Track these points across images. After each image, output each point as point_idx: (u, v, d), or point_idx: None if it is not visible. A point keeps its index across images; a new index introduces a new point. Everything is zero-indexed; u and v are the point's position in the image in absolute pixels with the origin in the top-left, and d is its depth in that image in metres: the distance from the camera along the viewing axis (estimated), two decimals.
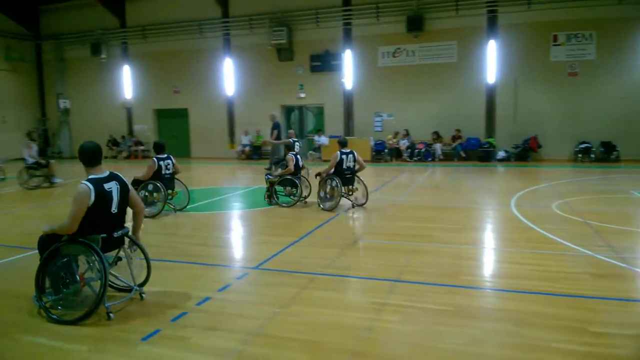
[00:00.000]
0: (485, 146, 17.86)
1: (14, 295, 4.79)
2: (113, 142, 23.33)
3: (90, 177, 4.17)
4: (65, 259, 4.18)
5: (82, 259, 4.27)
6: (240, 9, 21.14)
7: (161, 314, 4.19)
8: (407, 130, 18.91)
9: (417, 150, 18.48)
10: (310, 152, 20.19)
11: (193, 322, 4.02)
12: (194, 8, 21.78)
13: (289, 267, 5.43)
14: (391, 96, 19.49)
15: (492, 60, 17.74)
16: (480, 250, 6.44)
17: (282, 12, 20.15)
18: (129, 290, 4.56)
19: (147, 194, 8.41)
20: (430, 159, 18.25)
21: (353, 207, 9.02)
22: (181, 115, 23.03)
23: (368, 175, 15.29)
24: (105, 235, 4.17)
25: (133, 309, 4.32)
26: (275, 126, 16.35)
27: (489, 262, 5.96)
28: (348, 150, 9.14)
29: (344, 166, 8.94)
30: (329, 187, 8.97)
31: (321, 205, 8.96)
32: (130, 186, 4.46)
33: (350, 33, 19.68)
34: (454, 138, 18.44)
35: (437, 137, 18.60)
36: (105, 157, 22.06)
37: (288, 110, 22.07)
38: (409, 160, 18.44)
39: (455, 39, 18.33)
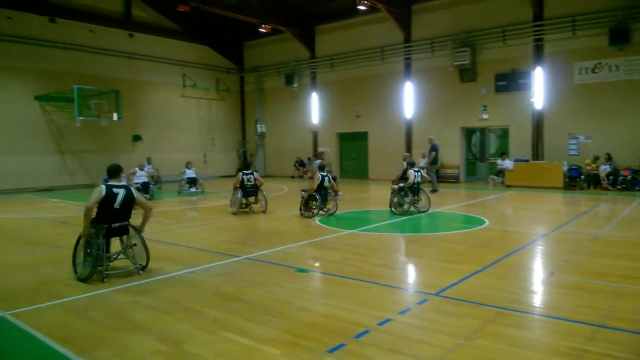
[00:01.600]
0: None
1: (218, 294, 5.44)
2: (300, 163, 25.26)
3: (108, 183, 6.30)
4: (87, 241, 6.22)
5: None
6: (422, 33, 21.27)
7: (344, 329, 4.33)
8: (609, 155, 16.67)
9: (621, 178, 16.15)
10: (492, 176, 19.13)
11: (376, 341, 4.07)
12: (377, 36, 22.61)
13: (472, 298, 5.16)
14: (589, 116, 17.48)
15: None
16: None
17: (465, 32, 19.71)
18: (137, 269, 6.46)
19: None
20: (638, 188, 15.80)
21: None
22: (361, 138, 23.95)
23: (558, 204, 13.86)
24: (107, 225, 6.16)
25: (314, 319, 4.55)
26: (433, 148, 16.93)
27: None
28: (325, 173, 11.58)
29: (324, 184, 11.40)
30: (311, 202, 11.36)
31: (304, 214, 11.36)
32: (136, 194, 6.44)
33: (542, 49, 18.29)
34: None
35: None
36: (292, 177, 24.11)
37: (469, 133, 21.33)
38: (610, 188, 16.22)
39: None
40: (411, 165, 12.04)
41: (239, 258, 7.28)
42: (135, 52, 23.92)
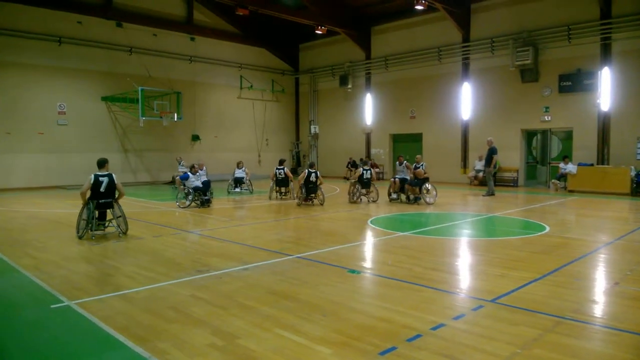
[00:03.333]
0: None
1: (271, 292, 5.54)
2: (352, 164, 25.20)
3: (95, 173, 8.96)
4: (86, 211, 8.92)
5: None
6: (482, 32, 20.74)
7: (396, 332, 4.30)
8: None
9: None
10: (553, 180, 18.37)
11: (428, 346, 4.01)
12: (434, 35, 22.25)
13: (530, 306, 4.98)
14: None
15: None
16: None
17: (528, 31, 19.03)
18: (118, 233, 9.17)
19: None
20: None
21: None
22: (415, 139, 23.63)
23: (624, 211, 13.12)
24: (96, 201, 8.90)
25: (365, 320, 4.54)
26: (493, 151, 16.41)
27: None
28: (314, 170, 13.99)
29: (310, 179, 13.90)
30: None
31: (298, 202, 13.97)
32: (116, 181, 9.11)
33: (610, 49, 17.37)
34: None
35: None
36: (345, 178, 24.07)
37: (529, 135, 20.60)
38: None
39: None
40: (364, 164, 15.45)
41: (291, 257, 7.38)
42: (195, 54, 24.77)
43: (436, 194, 14.57)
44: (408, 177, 14.55)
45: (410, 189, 14.12)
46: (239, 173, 18.25)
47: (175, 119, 21.36)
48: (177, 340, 4.20)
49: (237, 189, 18.05)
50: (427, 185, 14.21)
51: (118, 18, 21.78)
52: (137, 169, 22.81)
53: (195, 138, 24.91)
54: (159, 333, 4.36)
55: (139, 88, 20.12)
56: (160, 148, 23.56)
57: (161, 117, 21.00)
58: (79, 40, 20.96)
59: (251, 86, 26.86)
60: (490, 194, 16.19)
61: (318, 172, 14.14)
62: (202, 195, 13.67)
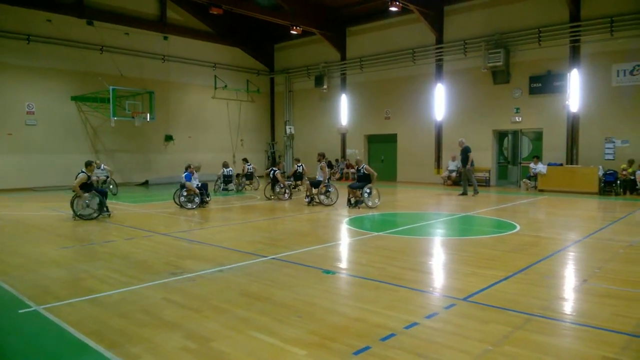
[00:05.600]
0: None
1: (245, 294, 5.50)
2: (328, 165, 25.19)
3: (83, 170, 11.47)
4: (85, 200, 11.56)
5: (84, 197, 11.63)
6: (455, 34, 21.04)
7: (370, 331, 4.33)
8: None
9: None
10: (524, 180, 18.75)
11: (402, 345, 4.05)
12: (409, 37, 22.48)
13: (501, 304, 5.08)
14: (627, 119, 16.96)
15: None
16: None
17: (499, 33, 19.40)
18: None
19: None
20: None
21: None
22: (390, 140, 23.82)
23: (593, 209, 13.49)
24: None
25: (340, 321, 4.56)
26: (468, 149, 16.62)
27: None
28: (275, 169, 15.86)
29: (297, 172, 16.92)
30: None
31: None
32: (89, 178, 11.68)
33: (579, 51, 17.84)
34: None
35: None
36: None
37: (501, 135, 20.97)
38: None
39: None
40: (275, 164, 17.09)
41: (266, 258, 7.35)
42: (169, 54, 24.44)
43: (379, 198, 13.87)
44: (322, 179, 14.34)
45: (352, 192, 13.62)
46: (227, 172, 18.73)
47: (148, 119, 21.03)
48: (149, 344, 4.14)
49: (230, 186, 18.72)
50: (366, 188, 13.37)
51: (89, 16, 21.32)
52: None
53: (169, 138, 24.58)
54: (131, 337, 4.29)
55: (110, 87, 19.73)
56: (132, 149, 23.16)
57: (133, 117, 20.64)
58: (48, 38, 20.45)
59: (225, 86, 26.65)
60: (476, 192, 16.42)
61: (303, 165, 17.50)
62: (201, 196, 13.96)
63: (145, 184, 23.21)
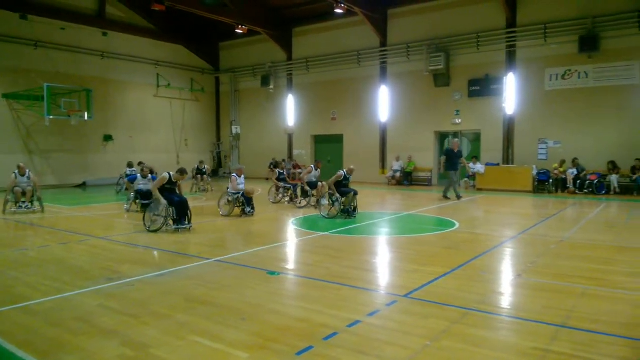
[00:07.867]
0: None
1: (187, 298, 5.38)
2: (274, 165, 25.12)
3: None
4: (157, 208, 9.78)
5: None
6: (398, 38, 21.51)
7: (313, 331, 4.34)
8: (575, 159, 17.15)
9: (588, 182, 16.62)
10: (465, 179, 19.43)
11: (344, 343, 4.09)
12: (354, 39, 22.76)
13: (440, 299, 5.24)
14: (559, 121, 17.96)
15: None
16: None
17: (440, 37, 20.01)
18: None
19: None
20: (604, 192, 16.28)
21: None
22: (336, 140, 24.05)
23: (527, 207, 14.17)
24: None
25: (284, 322, 4.55)
26: (446, 152, 16.25)
27: None
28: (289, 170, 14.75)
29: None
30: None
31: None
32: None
33: (514, 56, 18.72)
34: (634, 169, 16.20)
35: (614, 167, 16.52)
36: (267, 179, 23.97)
37: (442, 137, 21.63)
38: (577, 192, 16.68)
39: (636, 59, 16.31)
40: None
41: (210, 260, 7.22)
42: (108, 50, 23.50)
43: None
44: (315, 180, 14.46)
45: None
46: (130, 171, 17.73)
47: (86, 118, 20.15)
48: (84, 353, 3.96)
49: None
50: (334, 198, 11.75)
51: (22, 10, 20.14)
52: (42, 171, 21.15)
53: (108, 138, 23.64)
54: (64, 346, 4.09)
55: (45, 85, 18.75)
56: (69, 149, 22.09)
57: (69, 116, 19.72)
58: None
59: (169, 84, 25.95)
60: (446, 197, 15.47)
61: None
62: (143, 200, 12.53)
63: (83, 185, 22.22)
